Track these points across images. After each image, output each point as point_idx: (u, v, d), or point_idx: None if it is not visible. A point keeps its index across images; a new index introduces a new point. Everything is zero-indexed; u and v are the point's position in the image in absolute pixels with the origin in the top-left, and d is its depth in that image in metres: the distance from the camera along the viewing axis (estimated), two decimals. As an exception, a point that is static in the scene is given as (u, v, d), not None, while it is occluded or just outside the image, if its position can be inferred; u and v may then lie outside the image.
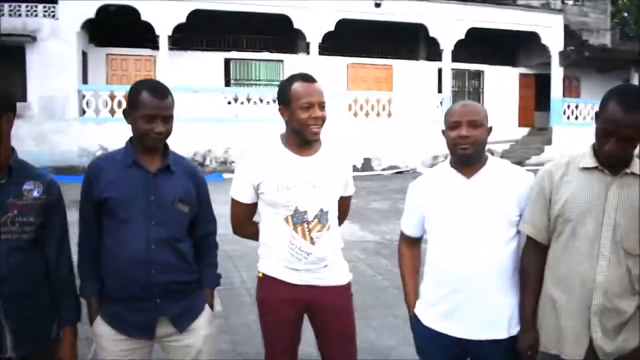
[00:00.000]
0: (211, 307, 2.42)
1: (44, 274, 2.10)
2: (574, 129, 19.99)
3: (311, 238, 2.35)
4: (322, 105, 2.32)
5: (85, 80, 16.92)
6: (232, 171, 15.44)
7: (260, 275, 2.47)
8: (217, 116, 16.21)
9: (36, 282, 2.06)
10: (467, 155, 2.17)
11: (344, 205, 2.57)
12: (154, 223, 2.19)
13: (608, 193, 1.99)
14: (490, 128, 2.24)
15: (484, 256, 2.16)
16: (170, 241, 2.23)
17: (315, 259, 2.36)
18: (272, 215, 2.38)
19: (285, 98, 2.35)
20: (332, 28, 17.53)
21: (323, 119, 2.33)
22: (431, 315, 2.29)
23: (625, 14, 38.58)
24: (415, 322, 2.38)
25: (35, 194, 2.03)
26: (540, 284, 2.14)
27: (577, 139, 19.79)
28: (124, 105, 2.37)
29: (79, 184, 2.29)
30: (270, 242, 2.40)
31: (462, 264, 2.17)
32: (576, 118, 20.40)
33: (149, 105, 2.17)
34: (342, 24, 17.57)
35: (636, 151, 2.00)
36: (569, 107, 20.48)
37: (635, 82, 21.71)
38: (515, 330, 2.19)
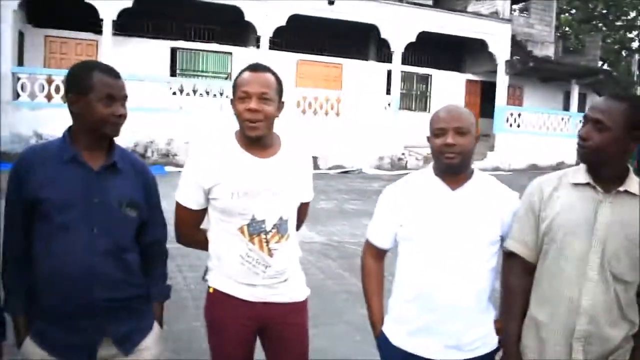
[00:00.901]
0: (160, 323, 2.15)
1: None
2: (516, 136, 20.45)
3: (269, 249, 2.11)
4: (262, 97, 2.04)
5: (20, 62, 15.99)
6: (175, 164, 14.99)
7: (211, 290, 2.19)
8: (161, 107, 15.55)
9: None
10: (454, 164, 2.00)
11: (302, 211, 2.33)
12: (97, 231, 1.89)
13: (598, 212, 1.85)
14: (479, 136, 2.08)
15: (463, 274, 2.00)
16: (115, 252, 1.93)
17: (274, 272, 2.12)
18: (224, 224, 2.11)
19: (233, 90, 2.12)
20: (283, 23, 17.21)
21: (265, 114, 2.04)
22: (401, 333, 2.11)
23: (567, 29, 40.06)
24: (382, 341, 2.18)
25: None
26: (525, 305, 1.99)
27: (519, 146, 20.44)
28: (62, 90, 2.07)
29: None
30: (223, 254, 2.14)
31: (439, 281, 2.01)
32: (518, 126, 20.85)
33: (109, 85, 1.89)
34: (294, 20, 17.30)
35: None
36: (512, 115, 20.92)
37: (575, 93, 22.43)
38: (485, 349, 2.06)
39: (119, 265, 1.94)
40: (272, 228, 2.10)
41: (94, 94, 1.88)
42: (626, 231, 1.81)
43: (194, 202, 2.14)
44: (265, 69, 2.12)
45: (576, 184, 1.91)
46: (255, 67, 2.11)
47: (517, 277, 2.01)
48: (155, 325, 2.11)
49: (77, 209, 1.87)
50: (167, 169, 14.31)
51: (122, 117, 1.94)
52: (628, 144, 1.84)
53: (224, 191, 2.06)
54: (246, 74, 2.07)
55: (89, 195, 1.89)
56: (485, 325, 2.06)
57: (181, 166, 13.23)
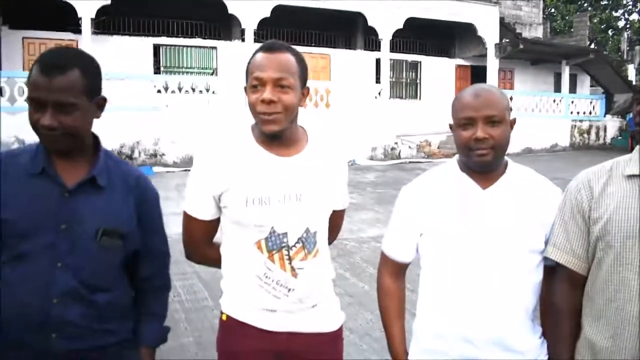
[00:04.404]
0: None
1: None
2: (509, 120, 20.19)
3: (292, 268, 1.71)
4: (279, 84, 1.63)
5: (-2, 66, 15.52)
6: (163, 164, 14.61)
7: (224, 317, 1.80)
8: (146, 105, 15.07)
9: None
10: (486, 162, 1.65)
11: (335, 221, 1.91)
12: (62, 265, 1.51)
13: None
14: (514, 120, 1.73)
15: (503, 294, 1.65)
16: (83, 292, 1.55)
17: (300, 297, 1.73)
18: (239, 237, 1.72)
19: (246, 75, 1.71)
20: (267, 14, 16.84)
21: (283, 105, 1.64)
22: None
23: (553, 10, 39.88)
24: None
25: None
26: (577, 325, 1.66)
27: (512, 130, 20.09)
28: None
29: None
30: (237, 274, 1.75)
31: (476, 302, 1.65)
32: (511, 110, 20.48)
33: (35, 86, 1.49)
34: (279, 11, 16.91)
35: None
36: (503, 99, 20.64)
37: (566, 74, 22.19)
38: None
39: (87, 310, 1.57)
40: (297, 242, 1.71)
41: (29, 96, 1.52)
42: None
43: (204, 212, 1.75)
44: (283, 48, 1.70)
45: (632, 176, 1.58)
46: (270, 47, 1.69)
47: (563, 292, 1.67)
48: None
49: (41, 236, 1.50)
50: (156, 169, 13.93)
51: (55, 129, 1.49)
52: None
53: (236, 197, 1.67)
54: (259, 56, 1.68)
55: (57, 220, 1.52)
56: (533, 349, 1.70)
57: (169, 166, 12.68)
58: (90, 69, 1.61)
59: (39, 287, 1.50)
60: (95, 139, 1.67)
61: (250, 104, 1.66)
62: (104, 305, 1.60)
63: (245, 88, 1.72)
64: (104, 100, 1.64)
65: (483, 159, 1.64)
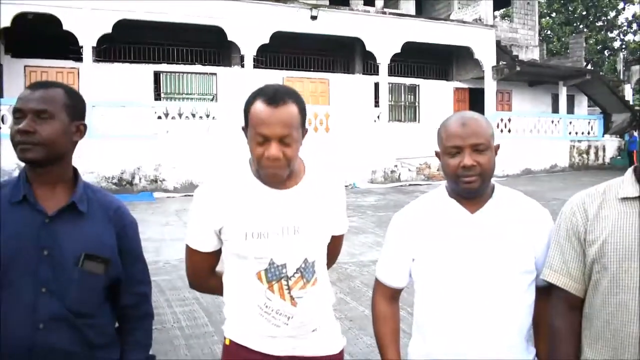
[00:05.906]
0: None
1: None
2: (507, 141, 20.22)
3: (292, 298, 1.74)
4: (284, 141, 1.63)
5: (0, 94, 15.64)
6: (163, 190, 14.64)
7: (227, 342, 1.83)
8: (146, 132, 15.19)
9: None
10: (473, 188, 1.69)
11: (334, 245, 1.93)
12: (46, 290, 1.53)
13: None
14: (498, 146, 1.77)
15: (497, 314, 1.68)
16: (69, 318, 1.56)
17: (299, 323, 1.76)
18: (239, 269, 1.76)
19: (245, 117, 1.71)
20: (267, 41, 17.02)
21: (288, 158, 1.64)
22: None
23: (549, 32, 40.30)
24: None
25: None
26: (576, 347, 1.66)
27: (511, 151, 20.23)
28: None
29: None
30: (238, 303, 1.79)
31: (469, 324, 1.68)
32: (509, 131, 20.68)
33: (19, 98, 1.59)
34: (278, 37, 17.10)
35: None
36: (502, 120, 20.76)
37: (563, 95, 22.35)
38: None
39: (73, 335, 1.57)
40: (295, 273, 1.74)
41: None
42: None
43: (205, 244, 1.80)
44: (286, 97, 1.65)
45: (625, 199, 1.60)
46: (273, 99, 1.62)
47: (561, 315, 1.67)
48: None
49: (23, 263, 1.52)
50: (156, 195, 13.97)
51: (29, 134, 1.54)
52: None
53: (236, 232, 1.72)
54: (262, 110, 1.62)
55: (38, 246, 1.54)
56: None
57: (170, 191, 12.71)
58: (73, 94, 1.68)
59: (24, 313, 1.51)
60: (75, 171, 1.71)
61: (254, 156, 1.67)
62: (89, 332, 1.62)
63: (243, 129, 1.73)
64: (84, 126, 1.70)
65: (471, 185, 1.68)
